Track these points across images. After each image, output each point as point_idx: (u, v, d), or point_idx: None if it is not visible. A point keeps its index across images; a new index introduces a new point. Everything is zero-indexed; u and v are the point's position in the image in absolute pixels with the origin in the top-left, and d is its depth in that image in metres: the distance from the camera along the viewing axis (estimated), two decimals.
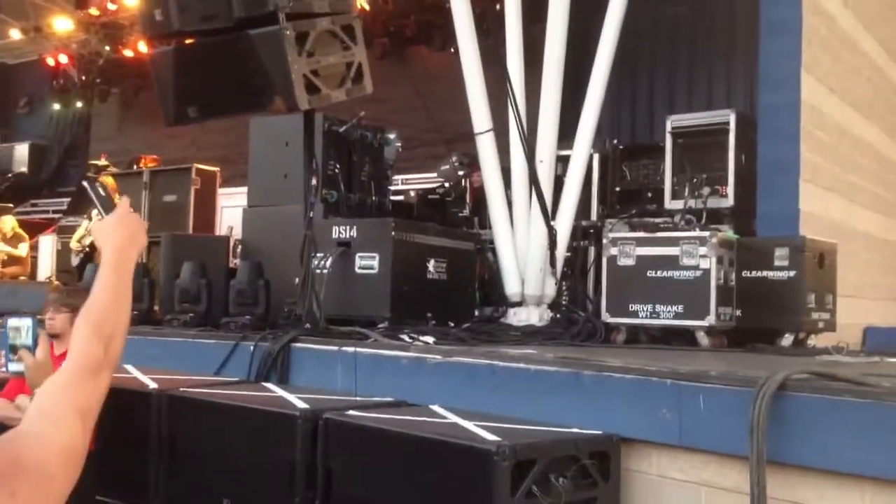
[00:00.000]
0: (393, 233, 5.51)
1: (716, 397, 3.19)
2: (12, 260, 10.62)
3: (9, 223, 11.03)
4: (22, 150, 17.06)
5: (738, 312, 5.31)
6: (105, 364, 1.60)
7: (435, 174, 9.07)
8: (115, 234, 1.78)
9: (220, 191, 10.11)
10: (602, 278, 5.58)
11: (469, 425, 3.35)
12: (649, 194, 6.96)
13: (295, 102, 4.81)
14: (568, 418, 3.53)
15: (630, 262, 5.32)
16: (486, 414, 3.62)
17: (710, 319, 5.09)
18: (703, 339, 5.18)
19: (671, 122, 6.70)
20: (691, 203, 6.27)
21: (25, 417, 1.46)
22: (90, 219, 9.15)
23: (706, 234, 5.21)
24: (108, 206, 1.86)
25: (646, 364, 3.60)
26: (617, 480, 3.34)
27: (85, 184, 1.86)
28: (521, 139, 5.99)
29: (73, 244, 8.99)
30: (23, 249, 10.99)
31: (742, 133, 6.37)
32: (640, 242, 5.33)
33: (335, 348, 4.58)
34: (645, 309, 5.24)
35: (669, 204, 6.53)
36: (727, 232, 5.64)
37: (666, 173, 6.61)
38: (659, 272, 5.21)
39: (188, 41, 5.25)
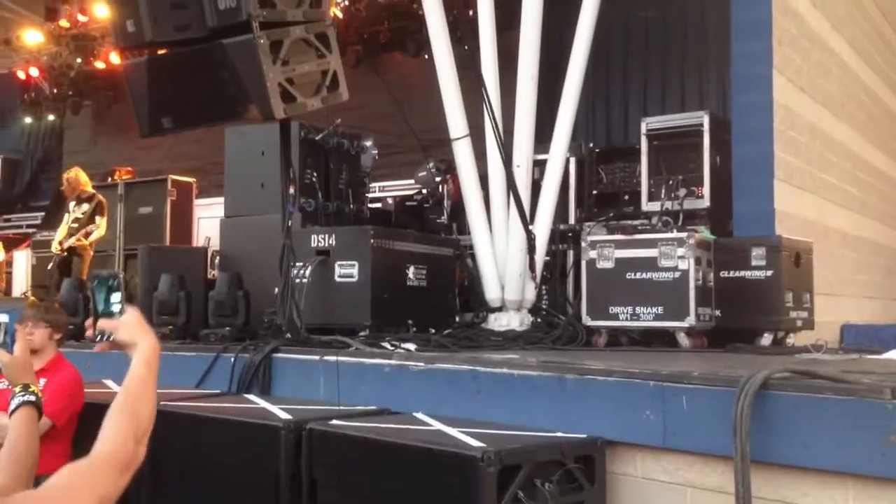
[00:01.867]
0: (372, 240, 5.49)
1: (699, 398, 3.21)
2: None
3: None
4: None
5: (718, 313, 5.36)
6: (134, 464, 1.61)
7: (412, 180, 9.07)
8: (150, 333, 1.83)
9: (197, 201, 10.06)
10: (581, 281, 5.60)
11: (453, 432, 3.34)
12: (626, 197, 7.00)
13: (270, 111, 4.79)
14: (552, 422, 3.54)
15: (609, 264, 5.34)
16: (470, 420, 3.61)
17: (690, 320, 5.13)
18: (683, 339, 5.22)
19: (646, 125, 6.74)
20: (668, 205, 6.32)
21: (45, 486, 1.43)
22: (69, 213, 8.93)
23: (683, 235, 5.24)
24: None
25: (628, 366, 3.62)
26: (602, 484, 3.35)
27: (119, 275, 1.87)
28: (497, 144, 6.00)
29: (55, 247, 8.82)
30: None
31: (716, 134, 6.42)
32: (619, 245, 5.35)
33: (317, 358, 4.56)
34: (625, 311, 5.27)
35: (646, 206, 6.57)
36: (704, 233, 5.68)
37: (642, 175, 6.65)
38: (638, 274, 5.24)
39: (161, 51, 5.21)
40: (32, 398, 1.94)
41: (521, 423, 3.59)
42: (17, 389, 1.94)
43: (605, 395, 3.49)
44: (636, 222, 6.15)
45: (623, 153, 7.28)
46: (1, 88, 17.35)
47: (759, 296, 5.34)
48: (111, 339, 1.83)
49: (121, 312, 1.84)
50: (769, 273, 5.33)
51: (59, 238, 8.73)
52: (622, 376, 3.49)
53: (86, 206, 8.63)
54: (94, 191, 8.95)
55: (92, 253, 8.91)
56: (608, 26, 6.72)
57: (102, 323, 1.84)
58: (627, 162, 7.06)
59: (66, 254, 8.62)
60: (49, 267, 8.85)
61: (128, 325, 1.82)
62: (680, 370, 3.45)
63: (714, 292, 5.36)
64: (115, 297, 1.85)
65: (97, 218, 8.66)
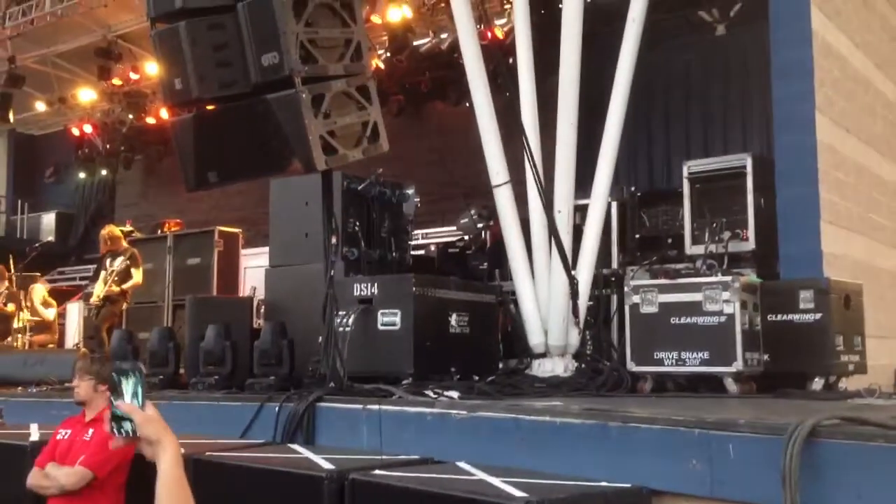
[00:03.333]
0: (414, 288, 5.52)
1: (746, 446, 3.14)
2: (41, 327, 10.72)
3: (40, 292, 11.12)
4: (49, 219, 17.44)
5: (766, 357, 5.26)
6: None
7: (454, 227, 9.12)
8: (170, 431, 1.80)
9: (243, 251, 10.22)
10: (625, 326, 5.55)
11: (496, 482, 3.31)
12: (669, 240, 6.94)
13: (312, 163, 4.87)
14: (596, 471, 3.49)
15: (653, 309, 5.29)
16: (513, 469, 3.58)
17: (738, 365, 5.04)
18: (731, 385, 5.12)
19: (688, 168, 6.71)
20: (712, 248, 6.25)
21: None
22: (106, 269, 9.04)
23: (728, 278, 5.18)
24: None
25: (673, 413, 3.56)
26: None
27: (141, 367, 1.84)
28: (538, 190, 6.02)
29: (94, 300, 8.98)
30: (50, 313, 11.09)
31: (760, 176, 6.37)
32: (662, 289, 5.31)
33: (360, 406, 4.57)
34: (670, 356, 5.20)
35: (690, 249, 6.51)
36: (750, 276, 5.61)
37: (685, 219, 6.61)
38: (683, 318, 5.18)
39: (208, 107, 5.36)
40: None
41: (565, 472, 3.54)
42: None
43: (650, 443, 3.43)
44: (680, 266, 6.09)
45: (665, 196, 7.24)
46: (56, 145, 17.99)
47: (809, 339, 5.23)
48: (134, 433, 1.78)
49: (142, 406, 1.79)
50: (818, 316, 5.22)
51: (97, 293, 8.89)
52: (667, 424, 3.43)
53: (121, 260, 8.81)
54: (127, 245, 9.15)
55: (125, 304, 9.06)
56: (648, 69, 6.72)
57: (130, 410, 1.77)
58: (670, 205, 7.02)
59: (103, 304, 8.78)
60: (93, 317, 8.98)
61: (152, 420, 1.79)
62: (726, 417, 3.39)
63: (762, 336, 5.27)
64: (139, 390, 1.80)
65: (133, 270, 8.83)
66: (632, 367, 5.39)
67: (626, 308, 5.46)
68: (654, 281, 5.47)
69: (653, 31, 6.45)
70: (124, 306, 9.08)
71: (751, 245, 6.27)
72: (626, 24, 6.09)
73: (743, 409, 4.26)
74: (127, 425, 1.79)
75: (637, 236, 7.12)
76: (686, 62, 10.29)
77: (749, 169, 6.37)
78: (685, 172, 6.70)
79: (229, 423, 5.08)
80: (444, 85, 12.43)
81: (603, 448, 3.57)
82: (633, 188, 7.46)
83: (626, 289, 5.54)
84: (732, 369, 5.06)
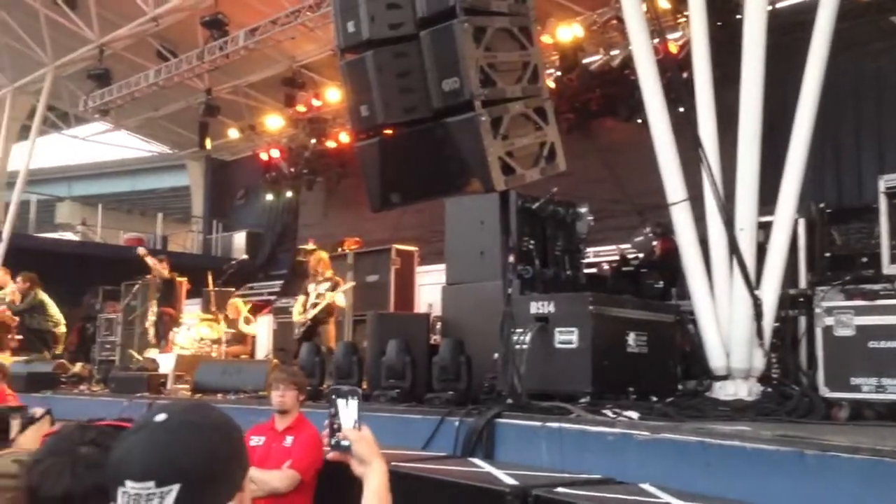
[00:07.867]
0: (591, 307, 5.50)
1: None
2: (236, 339, 11.45)
3: (242, 309, 11.81)
4: (240, 238, 18.69)
5: None
6: None
7: (627, 245, 8.99)
8: (382, 457, 1.88)
9: (418, 269, 10.52)
10: (816, 350, 5.27)
11: None
12: (864, 259, 6.51)
13: (492, 184, 4.98)
14: (790, 501, 3.35)
15: (849, 332, 5.00)
16: (701, 495, 3.50)
17: None
18: None
19: (885, 182, 6.27)
20: None
21: None
22: (306, 293, 9.46)
23: None
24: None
25: (877, 443, 3.36)
26: None
27: (359, 391, 1.96)
28: (718, 207, 5.83)
29: (297, 317, 9.38)
30: (251, 329, 11.79)
31: None
32: (860, 311, 5.02)
33: (539, 424, 4.60)
34: (869, 383, 4.89)
35: (888, 269, 6.06)
36: None
37: (882, 236, 6.17)
38: (883, 342, 4.87)
39: (391, 132, 5.59)
40: None
41: (757, 501, 3.41)
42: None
43: (852, 474, 3.26)
44: (877, 286, 5.71)
45: (858, 212, 6.81)
46: (246, 169, 19.27)
47: None
48: (348, 448, 1.87)
49: (357, 427, 1.89)
50: None
51: (299, 310, 9.27)
52: (871, 454, 3.24)
53: (326, 285, 9.20)
54: (331, 272, 9.47)
55: (332, 320, 9.42)
56: (836, 78, 6.34)
57: (347, 432, 1.88)
58: (863, 222, 6.59)
59: (311, 322, 9.18)
60: (296, 336, 9.35)
61: (368, 441, 1.88)
62: None
63: None
64: (355, 411, 1.90)
65: (337, 290, 9.19)
66: (825, 392, 5.11)
67: (818, 330, 5.20)
68: (851, 302, 5.16)
69: (840, 38, 6.09)
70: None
71: None
72: (812, 33, 5.81)
73: None
74: (345, 441, 1.90)
75: (827, 255, 6.73)
76: (877, 69, 9.66)
77: None
78: (881, 187, 6.25)
79: (410, 434, 5.26)
80: (615, 102, 12.30)
81: (798, 477, 3.42)
82: (821, 204, 7.06)
83: (817, 310, 5.27)
84: None
